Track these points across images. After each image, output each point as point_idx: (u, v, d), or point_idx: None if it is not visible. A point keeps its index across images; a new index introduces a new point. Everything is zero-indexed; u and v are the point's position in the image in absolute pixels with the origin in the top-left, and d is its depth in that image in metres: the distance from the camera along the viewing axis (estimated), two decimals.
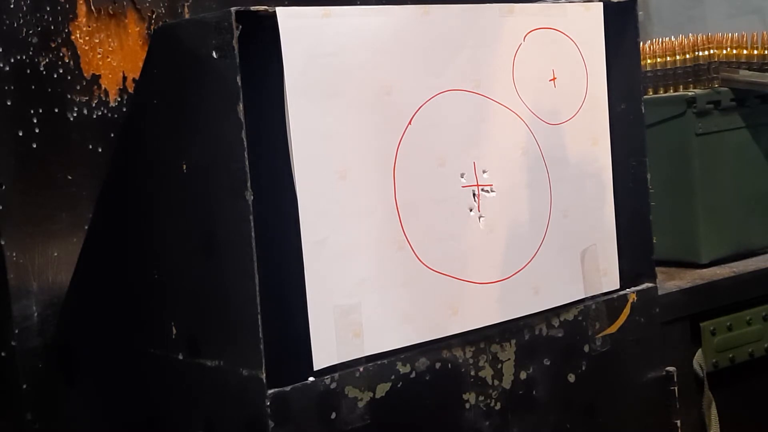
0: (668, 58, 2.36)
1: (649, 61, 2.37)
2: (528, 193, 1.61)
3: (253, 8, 1.32)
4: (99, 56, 1.64)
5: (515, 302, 1.58)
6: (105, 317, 1.57)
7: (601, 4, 1.71)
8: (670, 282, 2.18)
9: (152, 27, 1.68)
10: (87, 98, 1.63)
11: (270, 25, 1.33)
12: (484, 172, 1.54)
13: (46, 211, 1.61)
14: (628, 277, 1.76)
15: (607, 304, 1.70)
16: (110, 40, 1.65)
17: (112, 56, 1.65)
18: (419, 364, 1.46)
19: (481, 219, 1.54)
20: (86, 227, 1.62)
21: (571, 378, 1.65)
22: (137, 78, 1.62)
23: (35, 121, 1.59)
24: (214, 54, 1.32)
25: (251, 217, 1.30)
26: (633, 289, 1.75)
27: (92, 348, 1.60)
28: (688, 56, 2.35)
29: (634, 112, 1.77)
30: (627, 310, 1.72)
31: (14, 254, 1.58)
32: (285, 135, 1.34)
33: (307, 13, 1.36)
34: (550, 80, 1.65)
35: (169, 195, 1.44)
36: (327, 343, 1.37)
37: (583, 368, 1.66)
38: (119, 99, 1.66)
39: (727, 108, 2.32)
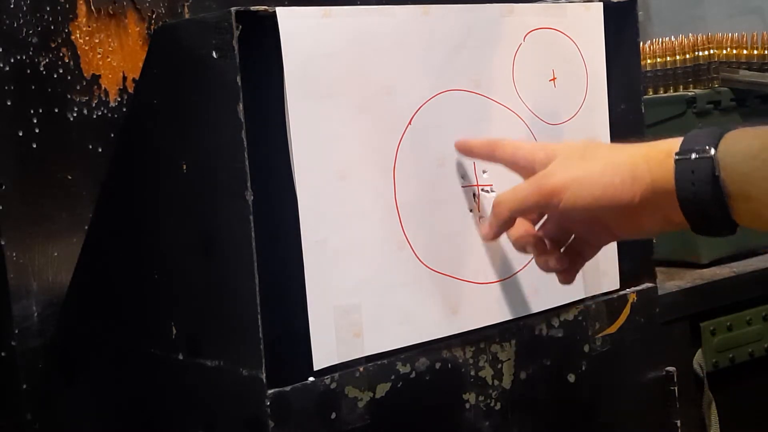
0: (668, 58, 2.36)
1: (649, 61, 2.37)
2: None
3: (253, 8, 1.31)
4: (99, 56, 1.64)
5: (515, 302, 1.58)
6: (105, 317, 1.57)
7: (601, 4, 1.71)
8: (670, 282, 2.18)
9: (152, 27, 1.68)
10: (87, 98, 1.63)
11: (270, 25, 1.32)
12: (484, 172, 1.54)
13: (46, 211, 1.60)
14: (628, 277, 1.75)
15: (607, 304, 1.70)
16: (110, 40, 1.65)
17: (112, 56, 1.65)
18: (419, 364, 1.46)
19: (481, 219, 1.54)
20: (86, 227, 1.61)
21: (571, 378, 1.65)
22: (137, 78, 1.62)
23: (35, 121, 1.59)
24: (214, 54, 1.32)
25: (251, 217, 1.30)
26: (633, 289, 1.74)
27: (92, 348, 1.60)
28: (688, 56, 2.35)
29: (634, 112, 1.76)
30: (627, 310, 1.72)
31: (14, 254, 1.58)
32: (285, 135, 1.34)
33: (307, 13, 1.35)
34: (550, 80, 1.64)
35: (169, 195, 1.44)
36: (327, 343, 1.37)
37: (583, 368, 1.66)
38: (119, 99, 1.66)
39: (727, 108, 2.32)
